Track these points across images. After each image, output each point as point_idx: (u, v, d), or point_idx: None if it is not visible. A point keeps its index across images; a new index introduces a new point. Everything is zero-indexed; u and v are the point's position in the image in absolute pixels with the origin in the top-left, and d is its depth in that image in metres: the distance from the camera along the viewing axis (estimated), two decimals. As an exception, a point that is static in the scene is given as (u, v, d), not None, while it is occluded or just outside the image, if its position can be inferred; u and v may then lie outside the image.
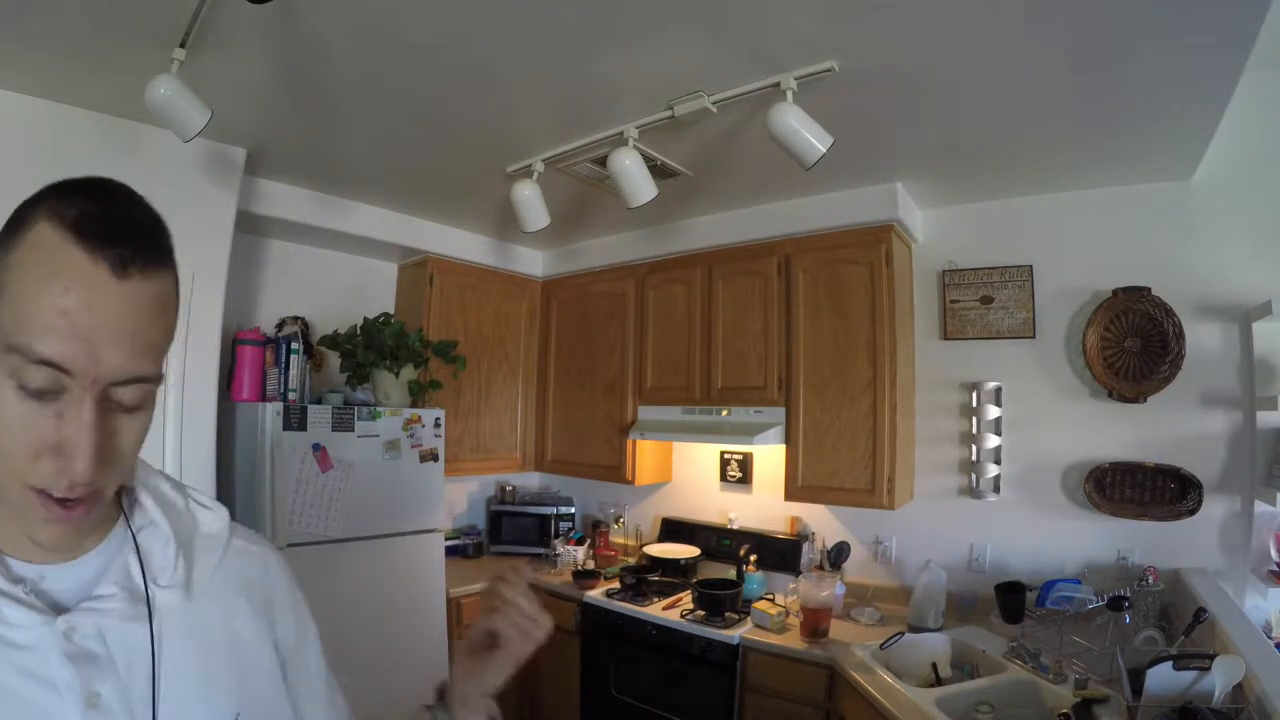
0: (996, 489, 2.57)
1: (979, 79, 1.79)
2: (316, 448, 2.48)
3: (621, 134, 2.10)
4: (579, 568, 3.11)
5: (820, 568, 2.74)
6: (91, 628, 0.55)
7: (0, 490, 0.52)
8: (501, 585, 0.74)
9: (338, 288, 3.21)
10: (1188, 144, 2.11)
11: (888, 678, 1.96)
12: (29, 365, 0.48)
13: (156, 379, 0.54)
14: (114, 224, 0.50)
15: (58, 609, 0.54)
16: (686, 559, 3.05)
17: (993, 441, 2.57)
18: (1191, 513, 2.21)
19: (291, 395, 2.62)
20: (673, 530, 3.30)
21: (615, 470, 3.26)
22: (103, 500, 0.55)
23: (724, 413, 2.93)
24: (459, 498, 3.67)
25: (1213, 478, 2.22)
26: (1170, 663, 1.45)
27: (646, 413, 3.22)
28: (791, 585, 2.68)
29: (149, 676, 0.56)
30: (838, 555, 2.72)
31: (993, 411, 2.57)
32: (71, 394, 0.49)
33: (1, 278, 0.50)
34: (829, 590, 2.43)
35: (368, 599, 2.54)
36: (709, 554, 3.09)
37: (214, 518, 0.69)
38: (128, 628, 0.57)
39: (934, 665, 2.09)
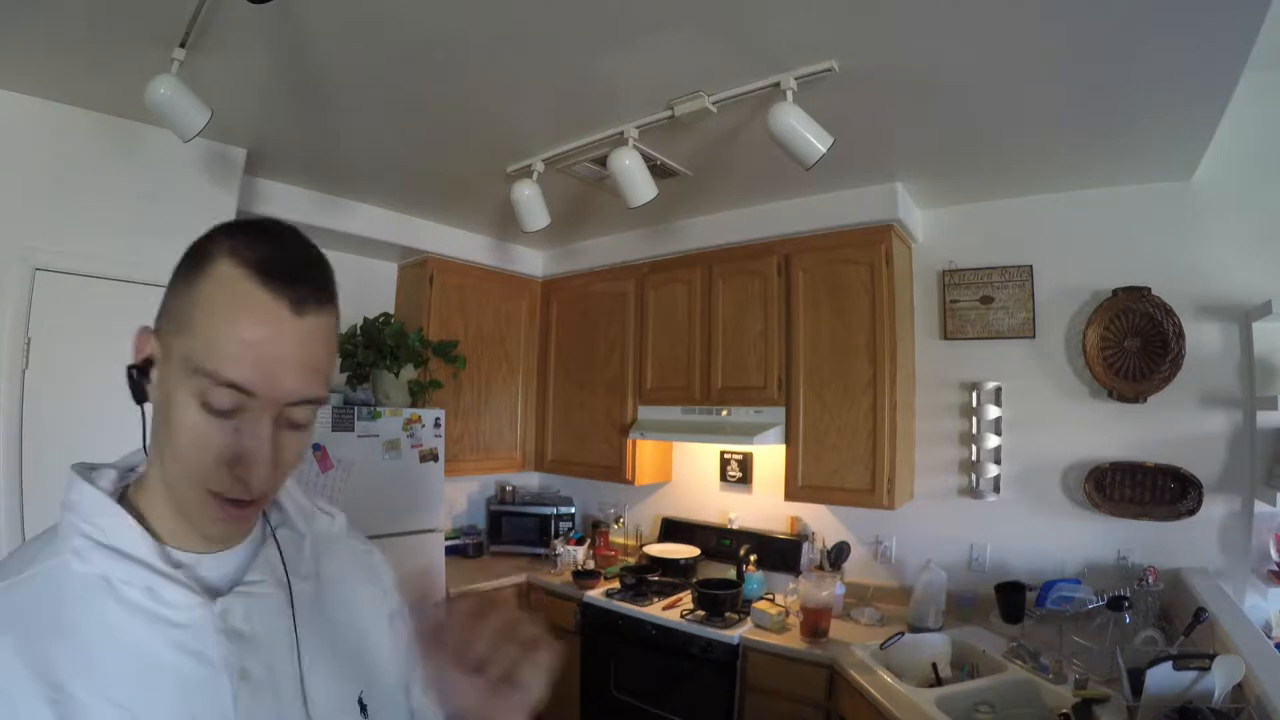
0: (996, 489, 2.57)
1: (979, 79, 1.79)
2: (316, 448, 2.48)
3: (621, 134, 2.10)
4: (579, 568, 3.11)
5: (820, 568, 2.74)
6: (242, 610, 0.61)
7: (174, 490, 0.59)
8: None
9: (338, 287, 3.20)
10: (1188, 144, 2.11)
11: (888, 678, 1.96)
12: (216, 387, 0.55)
13: (324, 400, 0.61)
14: (293, 267, 0.58)
15: (211, 593, 0.61)
16: (686, 559, 3.05)
17: (993, 441, 2.57)
18: (1191, 513, 2.21)
19: (291, 395, 2.61)
20: (673, 530, 3.30)
21: (615, 470, 3.26)
22: (268, 502, 0.64)
23: (724, 413, 2.93)
24: (459, 498, 3.66)
25: (1213, 478, 2.22)
26: (1170, 663, 1.46)
27: (646, 412, 3.21)
28: (791, 585, 2.68)
29: (289, 656, 0.63)
30: (838, 555, 2.72)
31: (993, 411, 2.57)
32: (251, 412, 0.56)
33: (189, 310, 0.56)
34: (829, 590, 2.43)
35: (368, 599, 2.54)
36: (709, 554, 3.09)
37: (334, 522, 0.78)
38: (272, 612, 0.64)
39: (934, 665, 2.09)
